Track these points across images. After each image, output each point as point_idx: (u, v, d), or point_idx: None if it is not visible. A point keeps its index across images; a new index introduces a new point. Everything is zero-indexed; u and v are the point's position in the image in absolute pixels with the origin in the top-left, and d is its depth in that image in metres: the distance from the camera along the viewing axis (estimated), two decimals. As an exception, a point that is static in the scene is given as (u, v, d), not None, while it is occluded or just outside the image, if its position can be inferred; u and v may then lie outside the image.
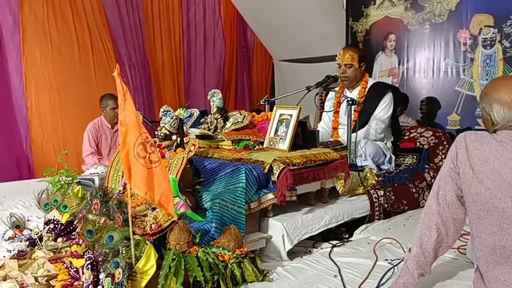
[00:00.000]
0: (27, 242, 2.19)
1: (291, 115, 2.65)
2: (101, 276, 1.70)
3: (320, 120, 3.76)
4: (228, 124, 2.92)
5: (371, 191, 2.81)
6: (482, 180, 1.47)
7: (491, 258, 1.49)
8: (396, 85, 4.57)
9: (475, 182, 1.49)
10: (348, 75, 3.33)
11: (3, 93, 4.60)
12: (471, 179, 1.50)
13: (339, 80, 3.36)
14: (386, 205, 2.83)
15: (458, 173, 1.54)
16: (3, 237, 2.27)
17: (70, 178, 2.54)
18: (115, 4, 5.24)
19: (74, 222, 2.21)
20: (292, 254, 2.34)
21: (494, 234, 1.47)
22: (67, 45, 4.88)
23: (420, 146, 3.47)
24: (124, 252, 1.71)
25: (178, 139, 2.35)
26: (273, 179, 2.36)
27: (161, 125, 2.42)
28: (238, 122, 2.90)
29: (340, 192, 2.71)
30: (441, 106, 4.49)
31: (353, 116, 3.03)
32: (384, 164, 3.24)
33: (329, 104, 3.61)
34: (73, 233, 2.23)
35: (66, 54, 4.88)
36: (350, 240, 2.49)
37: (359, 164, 3.01)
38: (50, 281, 1.87)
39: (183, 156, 2.20)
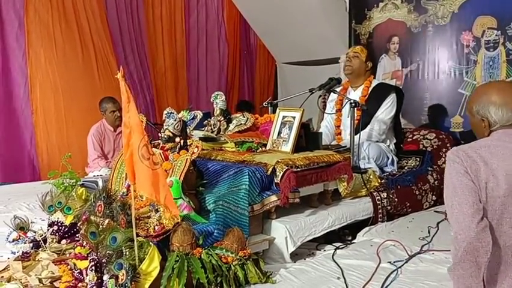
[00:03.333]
0: (31, 244, 2.20)
1: (294, 117, 2.65)
2: (105, 277, 1.71)
3: (323, 121, 3.77)
4: (231, 126, 2.93)
5: (374, 193, 2.81)
6: (490, 181, 1.46)
7: (502, 261, 1.48)
8: (400, 87, 4.56)
9: (483, 183, 1.47)
10: (352, 64, 3.37)
11: (8, 96, 4.61)
12: (482, 181, 1.48)
13: (342, 81, 3.37)
14: (389, 207, 2.83)
15: (472, 180, 1.48)
16: (7, 239, 2.28)
17: (74, 180, 2.55)
18: (116, 8, 5.25)
19: (78, 224, 2.22)
20: (295, 256, 2.34)
21: (505, 234, 1.46)
22: (71, 47, 4.90)
23: (424, 148, 3.47)
24: (127, 253, 1.71)
25: (182, 141, 2.36)
26: (276, 181, 2.37)
27: (165, 127, 2.43)
28: (241, 124, 2.90)
29: (343, 194, 2.70)
30: (444, 108, 4.48)
31: (356, 116, 3.03)
32: (387, 166, 3.24)
33: (331, 105, 3.62)
34: (77, 235, 2.24)
35: (70, 56, 4.89)
36: (353, 243, 2.48)
37: (362, 166, 3.01)
38: (54, 283, 1.89)
39: (186, 158, 2.21)
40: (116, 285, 1.64)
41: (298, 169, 2.42)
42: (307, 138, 2.73)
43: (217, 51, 6.24)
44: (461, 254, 1.44)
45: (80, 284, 1.82)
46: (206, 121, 3.05)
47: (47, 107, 4.76)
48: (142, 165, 1.64)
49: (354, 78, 3.45)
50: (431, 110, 4.61)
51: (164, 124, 2.45)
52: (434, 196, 3.13)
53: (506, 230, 1.46)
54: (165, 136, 2.39)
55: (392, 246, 2.29)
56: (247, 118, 2.93)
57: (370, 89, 3.40)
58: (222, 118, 2.96)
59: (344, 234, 2.65)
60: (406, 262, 2.08)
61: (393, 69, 4.96)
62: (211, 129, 2.97)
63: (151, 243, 1.78)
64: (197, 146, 2.26)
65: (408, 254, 2.18)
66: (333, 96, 3.60)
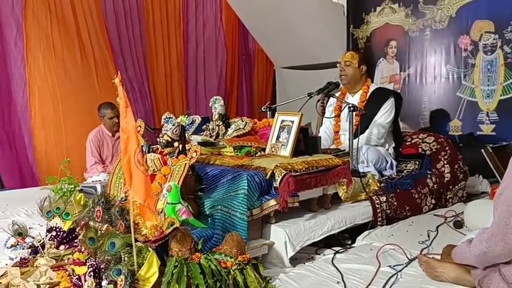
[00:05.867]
0: (29, 250, 2.18)
1: (292, 121, 2.65)
2: (104, 283, 1.70)
3: (322, 125, 3.78)
4: (230, 131, 2.93)
5: (374, 197, 2.81)
6: None
7: None
8: (398, 91, 4.57)
9: None
10: (346, 73, 3.38)
11: (7, 101, 4.61)
12: None
13: (340, 85, 3.38)
14: (388, 211, 2.82)
15: None
16: (5, 245, 2.27)
17: (73, 185, 2.54)
18: (114, 14, 5.26)
19: (76, 230, 2.21)
20: (294, 260, 2.33)
21: None
22: (69, 53, 4.90)
23: (422, 152, 3.46)
24: (126, 259, 1.70)
25: (180, 146, 2.35)
26: (275, 185, 2.36)
27: (163, 131, 2.42)
28: (240, 128, 2.90)
29: (342, 198, 2.70)
30: (443, 112, 4.49)
31: (354, 121, 3.04)
32: (386, 169, 3.24)
33: (329, 110, 3.62)
34: (75, 241, 2.22)
35: (69, 62, 4.90)
36: (353, 247, 2.48)
37: (361, 170, 3.01)
38: (52, 289, 1.87)
39: (185, 163, 2.20)
40: (114, 291, 1.63)
41: (297, 173, 2.42)
42: (306, 142, 2.73)
43: (215, 56, 6.25)
44: (484, 259, 1.62)
45: (78, 290, 1.81)
46: (205, 126, 3.05)
47: (46, 113, 4.76)
48: (137, 171, 1.64)
49: (351, 85, 3.45)
50: (429, 114, 4.62)
51: (163, 129, 2.45)
52: (433, 200, 3.13)
53: None
54: (164, 141, 2.38)
55: (392, 250, 2.28)
56: (246, 122, 2.93)
57: (368, 94, 3.41)
58: (221, 123, 2.96)
59: (344, 239, 2.65)
60: (406, 266, 2.07)
61: (391, 73, 4.99)
62: (210, 133, 2.97)
63: (149, 248, 1.77)
64: (196, 151, 2.26)
65: (408, 257, 2.17)
66: (331, 101, 3.60)
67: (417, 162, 3.38)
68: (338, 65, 3.52)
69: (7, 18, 4.56)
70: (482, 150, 3.53)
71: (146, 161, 2.27)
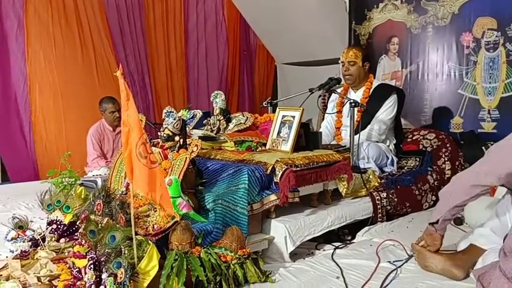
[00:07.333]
0: (30, 243, 2.18)
1: (293, 116, 2.65)
2: (104, 276, 1.70)
3: (323, 121, 3.77)
4: (231, 125, 2.93)
5: (374, 193, 2.81)
6: None
7: None
8: (401, 88, 4.56)
9: None
10: (351, 73, 3.35)
11: (7, 96, 4.61)
12: None
13: (342, 81, 3.37)
14: (388, 207, 2.82)
15: None
16: (6, 237, 2.27)
17: (73, 179, 2.54)
18: (116, 9, 5.25)
19: (77, 223, 2.21)
20: (294, 255, 2.33)
21: None
22: (70, 48, 4.90)
23: (424, 149, 3.46)
24: (126, 252, 1.70)
25: (181, 140, 2.35)
26: (275, 180, 2.36)
27: (164, 126, 2.42)
28: (241, 123, 2.90)
29: (342, 194, 2.70)
30: (444, 109, 4.48)
31: (356, 117, 3.03)
32: (386, 166, 3.24)
33: (331, 106, 3.61)
34: (76, 234, 2.23)
35: (70, 57, 4.89)
36: (353, 242, 2.48)
37: (361, 166, 3.00)
38: (52, 281, 1.88)
39: (186, 157, 2.21)
40: (114, 284, 1.63)
41: (298, 168, 2.42)
42: (306, 137, 2.73)
43: (216, 51, 6.24)
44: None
45: (78, 283, 1.81)
46: (205, 120, 3.05)
47: (46, 107, 4.76)
48: (139, 164, 1.63)
49: (352, 81, 3.43)
50: (430, 111, 4.61)
51: (164, 123, 2.45)
52: (433, 196, 3.12)
53: None
54: (164, 135, 2.38)
55: (392, 246, 2.29)
56: (247, 117, 2.93)
57: (371, 90, 3.39)
58: (222, 117, 2.96)
59: (344, 234, 2.65)
60: (406, 262, 2.07)
61: (393, 69, 4.96)
62: (211, 128, 2.97)
63: (150, 241, 1.77)
64: (196, 145, 2.26)
65: (407, 253, 2.17)
66: (333, 97, 3.60)
67: (418, 159, 3.38)
68: (340, 62, 3.49)
69: (8, 13, 4.55)
70: (483, 147, 3.52)
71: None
